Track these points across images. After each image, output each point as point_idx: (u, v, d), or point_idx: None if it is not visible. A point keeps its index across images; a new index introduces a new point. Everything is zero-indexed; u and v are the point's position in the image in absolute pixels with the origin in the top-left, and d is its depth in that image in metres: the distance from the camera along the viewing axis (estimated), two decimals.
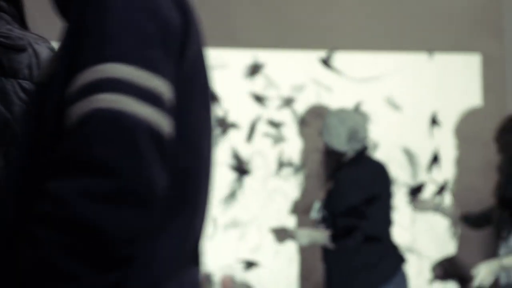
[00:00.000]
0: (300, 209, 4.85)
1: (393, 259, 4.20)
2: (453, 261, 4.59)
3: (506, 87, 5.18)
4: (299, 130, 4.90)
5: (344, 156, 4.24)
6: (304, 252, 4.83)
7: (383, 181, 4.25)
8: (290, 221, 4.81)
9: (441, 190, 4.94)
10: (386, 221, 4.23)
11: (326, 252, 4.24)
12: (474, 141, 5.02)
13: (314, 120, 4.88)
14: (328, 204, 4.18)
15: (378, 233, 4.15)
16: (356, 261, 4.12)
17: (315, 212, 4.34)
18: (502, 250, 4.12)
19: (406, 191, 4.98)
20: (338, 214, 4.10)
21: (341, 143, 4.21)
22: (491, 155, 4.72)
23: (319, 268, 4.80)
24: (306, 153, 4.88)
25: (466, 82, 5.11)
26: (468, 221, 4.51)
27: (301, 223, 4.82)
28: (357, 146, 4.22)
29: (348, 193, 4.10)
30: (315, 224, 4.33)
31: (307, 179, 4.88)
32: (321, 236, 4.16)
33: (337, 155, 4.25)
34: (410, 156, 5.02)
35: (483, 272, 3.95)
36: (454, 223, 4.60)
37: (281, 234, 4.33)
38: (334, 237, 4.10)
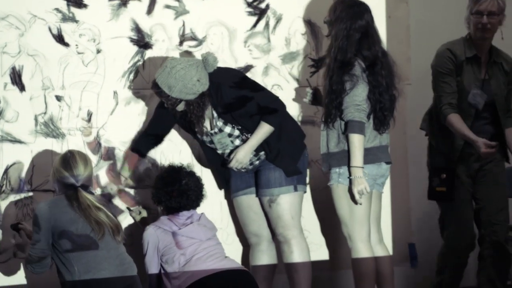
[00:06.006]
0: None
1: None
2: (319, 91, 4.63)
3: None
4: (201, 2, 4.77)
5: None
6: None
7: None
8: None
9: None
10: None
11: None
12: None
13: None
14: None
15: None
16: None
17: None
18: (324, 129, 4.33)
19: (309, 63, 4.98)
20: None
21: None
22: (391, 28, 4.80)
23: None
24: (208, 26, 4.77)
25: None
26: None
27: None
28: None
29: None
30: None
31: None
32: (255, 139, 4.26)
33: None
34: (313, 29, 4.98)
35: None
36: None
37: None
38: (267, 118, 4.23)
